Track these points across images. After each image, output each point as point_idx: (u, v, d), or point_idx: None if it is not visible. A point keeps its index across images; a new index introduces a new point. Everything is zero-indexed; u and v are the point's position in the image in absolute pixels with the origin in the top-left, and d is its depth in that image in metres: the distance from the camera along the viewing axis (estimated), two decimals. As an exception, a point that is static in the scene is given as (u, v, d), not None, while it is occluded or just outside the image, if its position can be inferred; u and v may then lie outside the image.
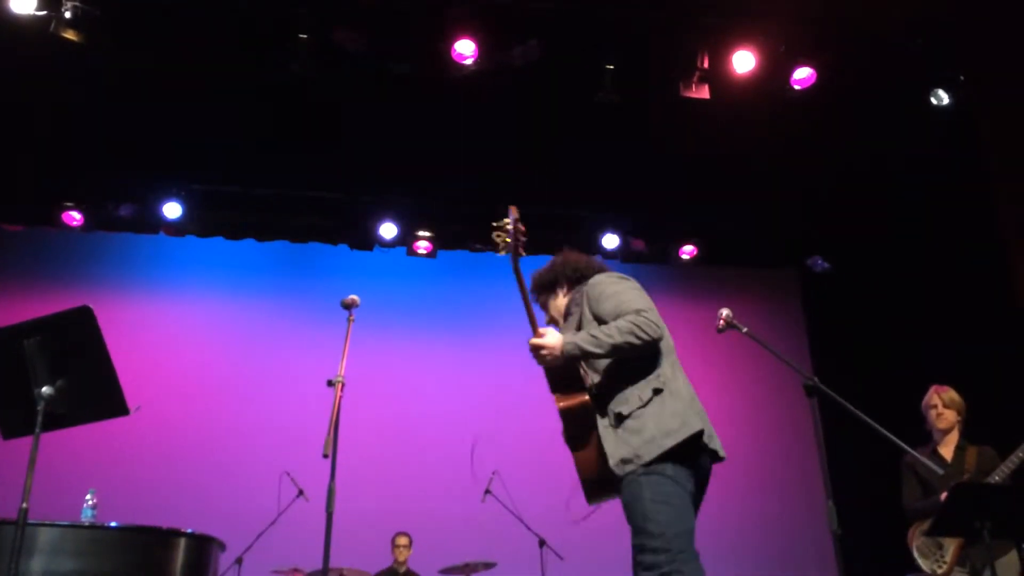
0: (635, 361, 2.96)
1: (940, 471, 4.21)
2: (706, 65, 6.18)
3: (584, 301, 3.19)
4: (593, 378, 3.07)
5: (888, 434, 3.13)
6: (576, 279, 3.40)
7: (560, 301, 3.42)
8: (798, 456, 7.86)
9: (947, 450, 4.57)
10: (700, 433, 2.87)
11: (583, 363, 3.10)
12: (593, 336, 2.93)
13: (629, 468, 2.82)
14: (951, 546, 4.31)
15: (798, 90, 6.21)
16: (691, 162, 7.01)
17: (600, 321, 3.05)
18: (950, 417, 4.60)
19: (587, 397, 3.04)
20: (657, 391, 2.92)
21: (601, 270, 3.38)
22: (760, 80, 6.23)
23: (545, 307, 3.49)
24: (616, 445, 2.88)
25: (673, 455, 2.82)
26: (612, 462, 2.86)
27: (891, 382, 6.61)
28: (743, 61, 6.13)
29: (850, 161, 7.10)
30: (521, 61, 6.04)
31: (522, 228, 3.28)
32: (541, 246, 7.94)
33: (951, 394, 4.64)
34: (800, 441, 7.84)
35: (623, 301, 3.04)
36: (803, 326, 8.51)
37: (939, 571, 4.32)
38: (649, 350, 2.95)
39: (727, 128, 6.63)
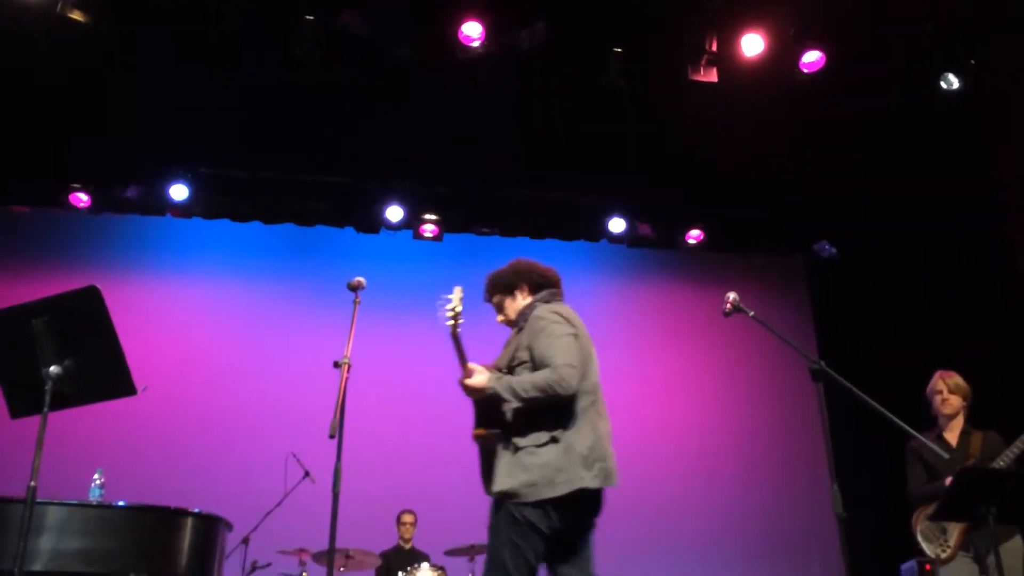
0: (545, 408, 3.22)
1: (945, 455, 4.21)
2: (714, 48, 6.15)
3: (528, 326, 3.44)
4: (508, 415, 3.31)
5: (894, 418, 3.13)
6: (539, 285, 3.62)
7: (518, 303, 3.64)
8: (803, 440, 7.87)
9: (952, 435, 4.56)
10: (582, 489, 3.16)
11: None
12: (512, 387, 3.22)
13: (508, 498, 3.18)
14: (955, 531, 4.31)
15: (807, 74, 6.18)
16: (698, 147, 6.98)
17: (531, 354, 3.33)
18: (955, 402, 4.59)
19: (499, 431, 3.32)
20: (554, 440, 3.20)
21: (557, 286, 3.65)
22: (769, 63, 6.20)
23: (500, 307, 3.71)
24: (507, 473, 3.21)
25: (549, 503, 3.14)
26: (496, 486, 3.21)
27: (896, 368, 6.60)
28: (752, 44, 6.09)
29: (858, 146, 7.07)
30: (528, 44, 6.02)
31: (460, 309, 3.54)
32: (547, 231, 8.05)
33: (956, 379, 4.62)
34: (805, 425, 7.85)
35: (554, 350, 3.25)
36: (809, 312, 8.50)
37: (943, 555, 4.33)
38: (560, 402, 3.20)
39: (735, 112, 6.59)
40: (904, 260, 7.70)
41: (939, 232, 7.33)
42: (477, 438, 3.40)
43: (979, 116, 6.62)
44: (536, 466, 3.16)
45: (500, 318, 3.70)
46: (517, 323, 3.57)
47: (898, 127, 6.84)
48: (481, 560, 6.00)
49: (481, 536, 5.71)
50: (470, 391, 3.37)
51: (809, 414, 7.80)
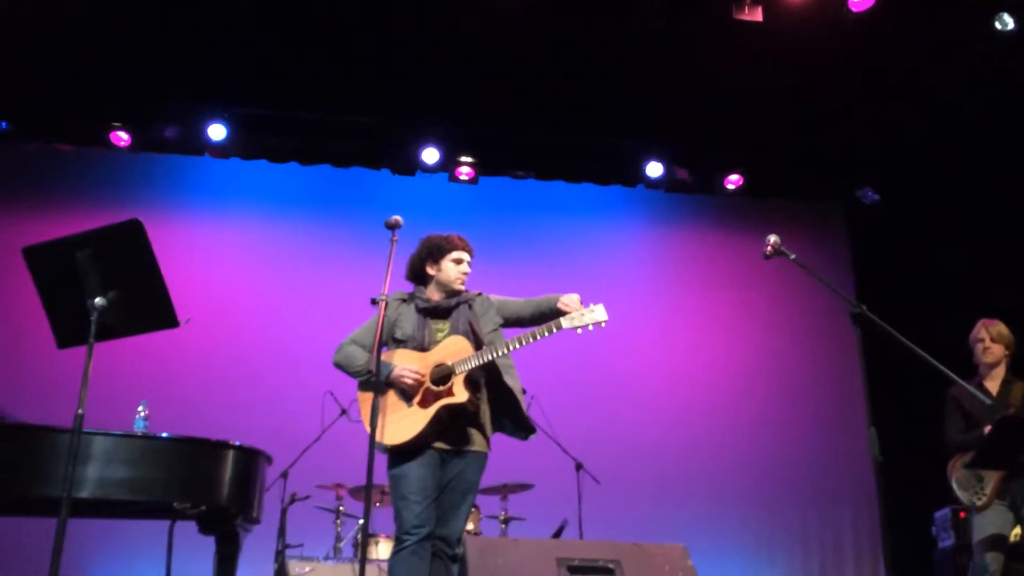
0: None
1: (987, 400, 4.18)
2: (761, -14, 5.99)
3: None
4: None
5: (935, 363, 3.10)
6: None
7: None
8: (838, 387, 7.83)
9: (993, 384, 4.52)
10: None
11: None
12: None
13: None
14: (991, 479, 4.29)
15: (856, 13, 6.00)
16: (740, 88, 6.83)
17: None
18: (997, 351, 4.55)
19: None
20: None
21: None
22: (817, 2, 6.02)
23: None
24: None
25: None
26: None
27: (937, 317, 6.51)
28: (800, -19, 5.92)
29: (905, 88, 6.88)
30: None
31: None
32: (583, 175, 7.98)
33: (999, 328, 4.57)
34: (841, 373, 7.80)
35: None
36: (849, 260, 8.38)
37: (978, 503, 4.32)
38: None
39: (779, 53, 6.43)
40: (949, 207, 7.54)
41: (987, 178, 7.16)
42: (470, 404, 3.60)
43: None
44: None
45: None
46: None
47: (949, 70, 6.63)
48: (513, 499, 6.13)
49: (512, 476, 5.83)
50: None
51: (845, 362, 7.75)
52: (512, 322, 3.84)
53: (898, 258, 7.83)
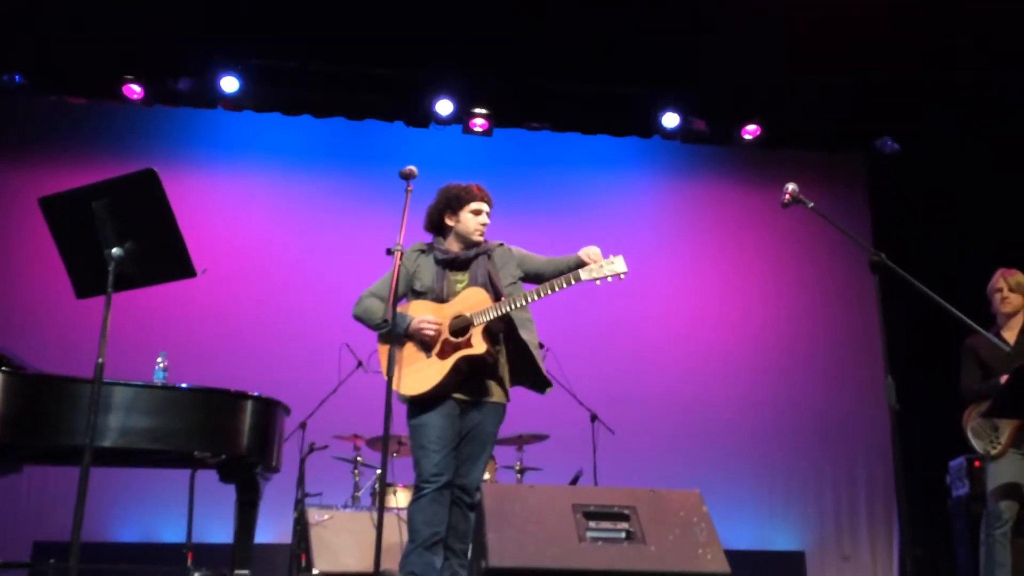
0: None
1: (1007, 347, 4.16)
2: (778, -71, 5.85)
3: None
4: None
5: (954, 311, 3.08)
6: None
7: None
8: (854, 337, 7.81)
9: (1011, 334, 4.50)
10: None
11: None
12: None
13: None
14: (1007, 428, 4.29)
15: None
16: (757, 36, 6.71)
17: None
18: (1016, 301, 4.53)
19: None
20: None
21: None
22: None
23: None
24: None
25: None
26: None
27: (955, 268, 6.47)
28: (819, -75, 5.78)
29: (928, 37, 6.74)
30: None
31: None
32: (598, 127, 7.90)
33: (1018, 277, 4.55)
34: (857, 322, 7.77)
35: None
36: (867, 211, 8.30)
37: (993, 452, 4.33)
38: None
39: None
40: (970, 158, 7.43)
41: (1010, 129, 7.04)
42: (488, 355, 3.63)
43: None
44: None
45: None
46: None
47: (971, 20, 6.49)
48: (528, 449, 6.19)
49: (528, 427, 5.88)
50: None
51: (862, 311, 7.72)
52: (532, 278, 3.84)
53: (917, 208, 7.74)
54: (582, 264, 3.65)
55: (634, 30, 6.82)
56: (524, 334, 3.68)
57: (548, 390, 3.80)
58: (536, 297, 3.59)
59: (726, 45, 6.83)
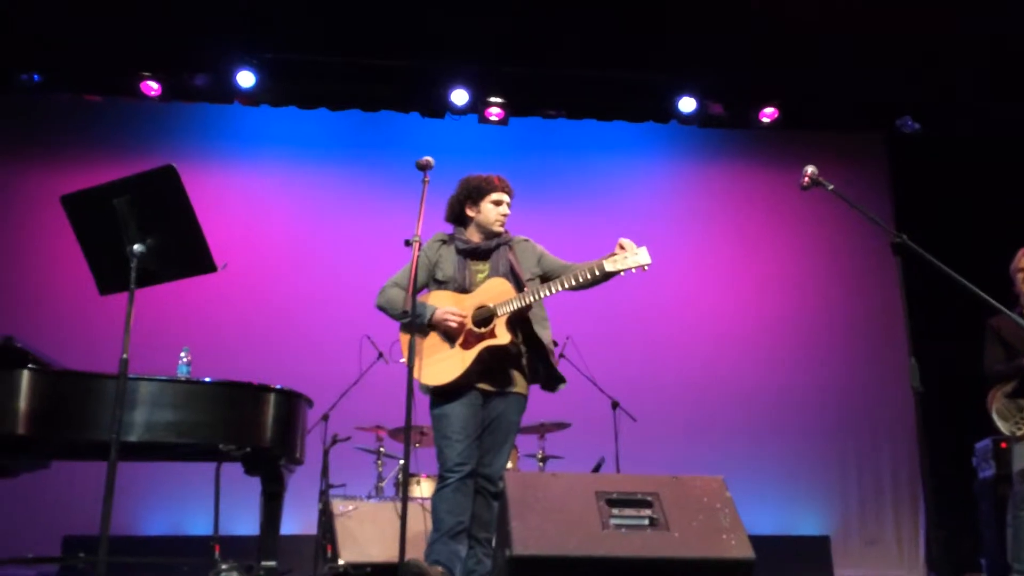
0: None
1: (1029, 328, 4.11)
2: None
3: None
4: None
5: (977, 291, 3.05)
6: None
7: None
8: (876, 319, 7.77)
9: (1035, 314, 4.43)
10: None
11: None
12: None
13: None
14: (1033, 409, 4.24)
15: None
16: (774, 17, 6.64)
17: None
18: (1039, 281, 4.46)
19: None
20: None
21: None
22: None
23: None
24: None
25: None
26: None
27: (977, 249, 6.39)
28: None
29: (947, 18, 6.65)
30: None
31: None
32: (614, 113, 7.86)
33: (1041, 256, 4.48)
34: (879, 304, 7.72)
35: None
36: (888, 192, 8.23)
37: (1018, 433, 4.28)
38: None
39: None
40: (992, 137, 7.33)
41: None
42: (512, 345, 3.65)
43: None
44: None
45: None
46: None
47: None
48: (550, 437, 6.19)
49: (549, 415, 5.88)
50: None
51: (885, 293, 7.65)
52: (547, 279, 3.83)
53: (938, 189, 7.66)
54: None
55: (648, 14, 6.78)
56: (539, 331, 3.68)
57: (560, 387, 3.81)
58: (560, 288, 3.59)
59: (742, 28, 6.77)
